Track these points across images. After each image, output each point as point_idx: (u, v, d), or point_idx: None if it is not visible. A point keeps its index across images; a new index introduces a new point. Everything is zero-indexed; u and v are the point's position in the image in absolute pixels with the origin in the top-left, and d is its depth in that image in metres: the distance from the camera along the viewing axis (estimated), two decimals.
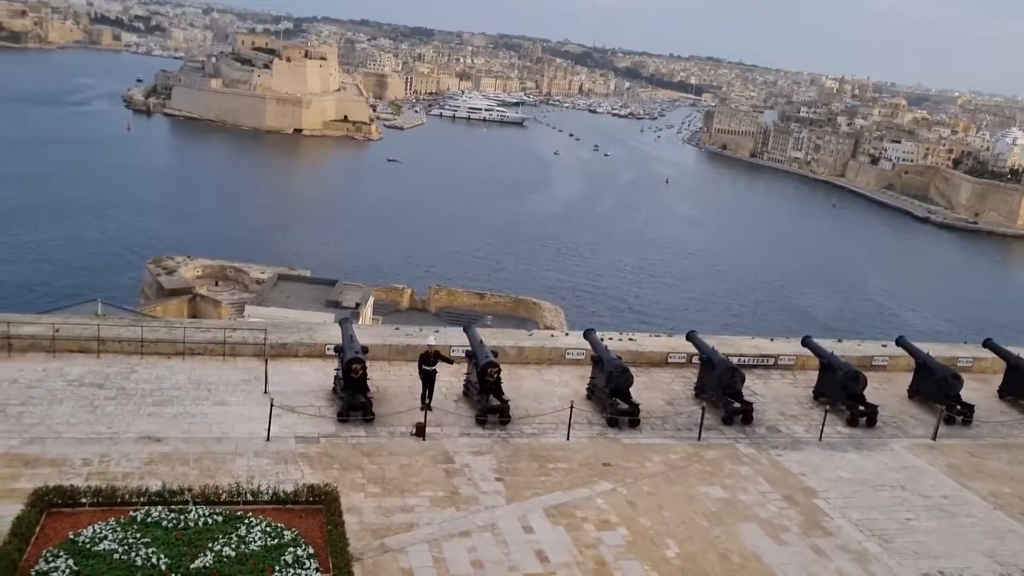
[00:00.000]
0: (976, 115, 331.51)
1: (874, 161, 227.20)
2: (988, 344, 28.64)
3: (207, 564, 12.37)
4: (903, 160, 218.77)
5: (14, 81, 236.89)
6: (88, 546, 12.53)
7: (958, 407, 24.54)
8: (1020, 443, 23.76)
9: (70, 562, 12.13)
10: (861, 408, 23.56)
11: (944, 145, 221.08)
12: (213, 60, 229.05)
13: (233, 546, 12.80)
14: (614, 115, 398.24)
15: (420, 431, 19.66)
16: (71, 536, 12.78)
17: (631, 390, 22.03)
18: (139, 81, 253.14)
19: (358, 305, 53.49)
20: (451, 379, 22.78)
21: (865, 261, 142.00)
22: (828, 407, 23.44)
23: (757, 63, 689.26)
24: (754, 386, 24.95)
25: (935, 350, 27.75)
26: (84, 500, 13.85)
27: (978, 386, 27.34)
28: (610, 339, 26.14)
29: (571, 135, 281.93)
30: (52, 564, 12.08)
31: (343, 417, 19.91)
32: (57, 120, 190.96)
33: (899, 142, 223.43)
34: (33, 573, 11.95)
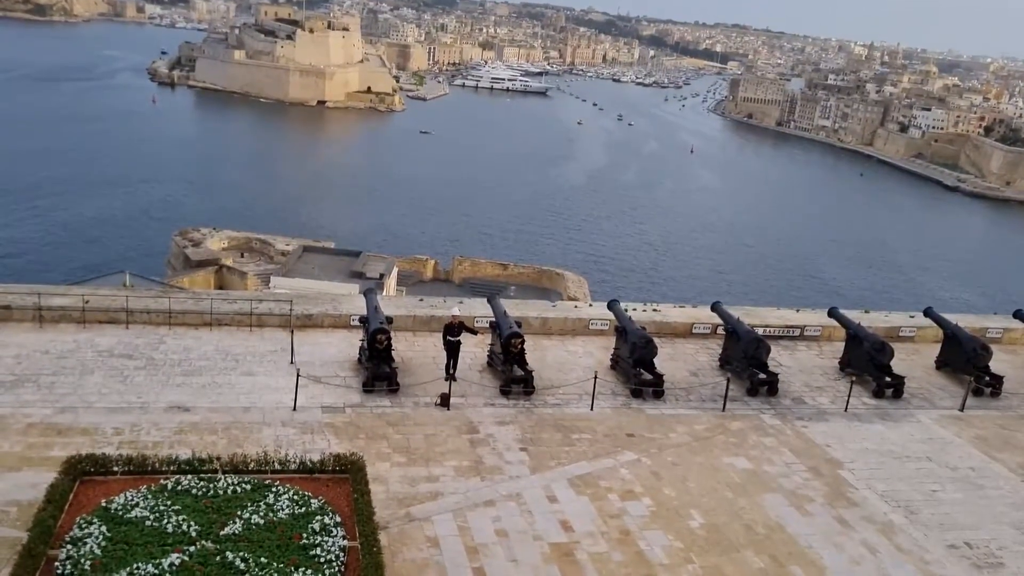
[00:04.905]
0: (1009, 81, 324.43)
1: (903, 129, 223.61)
2: (1018, 315, 28.24)
3: (236, 531, 12.58)
4: (933, 128, 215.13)
5: (41, 55, 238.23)
6: (120, 513, 12.77)
7: (987, 378, 24.28)
8: None
9: (103, 529, 12.38)
10: (888, 379, 23.37)
11: (975, 112, 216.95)
12: (236, 31, 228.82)
13: (261, 514, 13.00)
14: (638, 84, 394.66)
15: (444, 401, 19.78)
16: (103, 504, 13.04)
17: (655, 361, 21.99)
18: (163, 53, 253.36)
19: (382, 276, 53.74)
20: (475, 350, 22.83)
21: (893, 231, 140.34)
22: (854, 378, 23.27)
23: (784, 30, 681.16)
24: (779, 357, 24.82)
25: (964, 321, 27.41)
26: (116, 468, 14.12)
27: (1008, 357, 27.04)
28: (634, 310, 26.05)
29: (595, 105, 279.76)
30: (86, 531, 12.34)
31: (368, 387, 20.05)
32: (84, 94, 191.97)
33: (929, 110, 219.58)
34: (67, 539, 12.21)
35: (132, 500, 13.10)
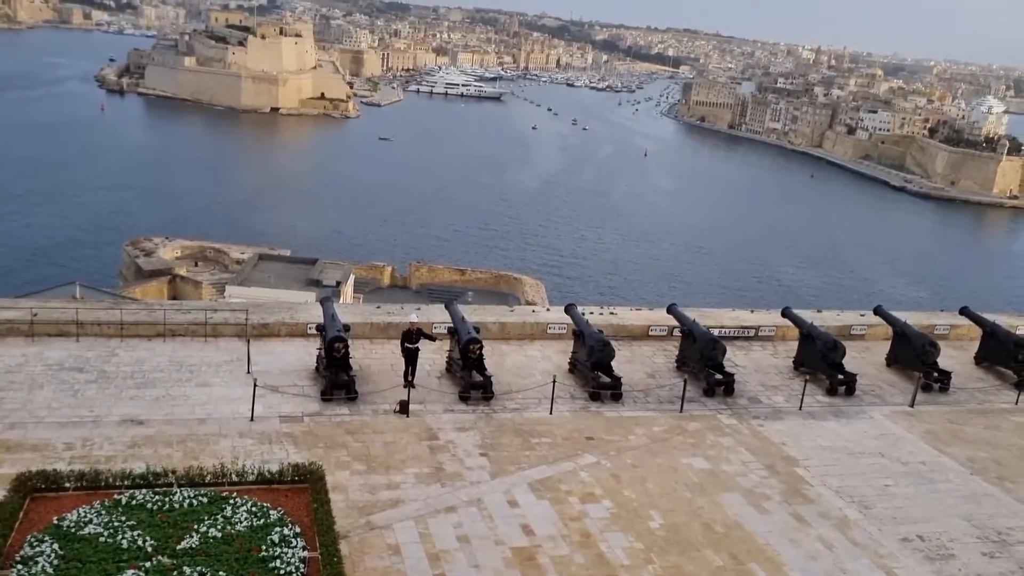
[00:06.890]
0: (951, 84, 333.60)
1: (851, 131, 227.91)
2: (964, 312, 28.94)
3: (193, 545, 12.39)
4: (879, 130, 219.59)
5: None
6: (73, 530, 12.50)
7: (935, 374, 24.84)
8: (996, 409, 24.12)
9: (55, 546, 12.11)
10: (840, 377, 23.82)
11: (920, 114, 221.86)
12: (186, 38, 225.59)
13: (219, 527, 12.82)
14: (592, 89, 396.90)
15: (404, 408, 19.70)
16: (56, 521, 12.75)
17: (613, 364, 22.13)
18: (112, 60, 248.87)
19: (339, 283, 53.36)
20: (433, 356, 22.80)
21: (844, 231, 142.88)
22: (808, 377, 23.67)
23: (734, 34, 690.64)
24: (735, 357, 25.12)
25: (912, 318, 28.02)
26: (68, 484, 13.81)
27: (955, 353, 27.69)
28: (591, 313, 26.21)
29: (549, 109, 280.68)
30: (37, 549, 12.05)
31: (326, 396, 19.92)
32: (30, 102, 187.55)
33: (875, 112, 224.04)
34: (18, 558, 11.92)
35: (85, 516, 12.82)
